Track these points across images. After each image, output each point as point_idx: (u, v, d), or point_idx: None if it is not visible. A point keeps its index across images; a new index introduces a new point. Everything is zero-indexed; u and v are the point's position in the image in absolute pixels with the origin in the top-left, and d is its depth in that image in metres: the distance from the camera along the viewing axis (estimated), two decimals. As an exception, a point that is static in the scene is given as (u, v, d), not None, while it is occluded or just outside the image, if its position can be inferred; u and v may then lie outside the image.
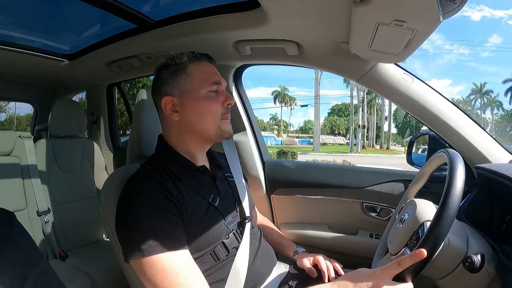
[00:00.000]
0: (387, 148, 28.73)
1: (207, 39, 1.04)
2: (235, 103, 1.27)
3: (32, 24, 1.28)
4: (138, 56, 1.27)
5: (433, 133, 1.04)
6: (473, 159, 0.96)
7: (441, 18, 0.54)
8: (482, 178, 0.90)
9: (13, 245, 0.48)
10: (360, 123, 24.97)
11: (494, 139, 0.97)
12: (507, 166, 0.87)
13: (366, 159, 18.99)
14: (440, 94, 0.98)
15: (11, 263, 0.46)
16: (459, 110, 0.98)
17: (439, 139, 1.02)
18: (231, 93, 1.26)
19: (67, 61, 1.50)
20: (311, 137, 37.55)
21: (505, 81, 32.90)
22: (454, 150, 0.68)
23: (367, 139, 33.42)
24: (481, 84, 35.39)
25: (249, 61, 1.20)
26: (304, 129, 42.08)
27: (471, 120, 0.98)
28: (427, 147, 1.10)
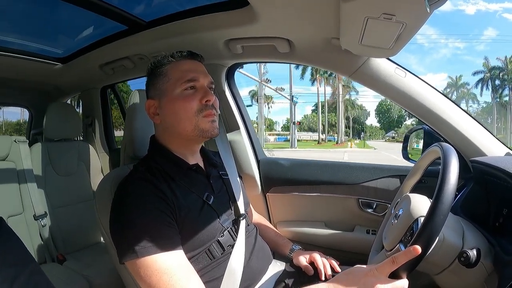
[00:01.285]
0: (340, 143, 29.75)
1: (198, 38, 1.04)
2: (228, 102, 1.26)
3: (24, 28, 1.27)
4: (130, 58, 1.26)
5: (427, 127, 1.03)
6: (468, 152, 0.95)
7: (429, 10, 0.53)
8: (477, 171, 0.89)
9: (2, 248, 0.49)
10: (296, 120, 26.35)
11: (490, 132, 0.96)
12: (503, 159, 0.86)
13: (293, 153, 19.27)
14: (434, 88, 0.98)
15: (1, 264, 0.47)
16: (453, 104, 0.97)
17: (434, 133, 1.01)
18: (223, 92, 1.25)
19: (61, 64, 1.50)
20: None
21: (475, 73, 31.39)
22: (448, 144, 0.67)
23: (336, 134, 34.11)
24: (456, 77, 34.70)
25: (240, 60, 1.19)
26: (286, 127, 42.39)
27: (466, 114, 0.97)
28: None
